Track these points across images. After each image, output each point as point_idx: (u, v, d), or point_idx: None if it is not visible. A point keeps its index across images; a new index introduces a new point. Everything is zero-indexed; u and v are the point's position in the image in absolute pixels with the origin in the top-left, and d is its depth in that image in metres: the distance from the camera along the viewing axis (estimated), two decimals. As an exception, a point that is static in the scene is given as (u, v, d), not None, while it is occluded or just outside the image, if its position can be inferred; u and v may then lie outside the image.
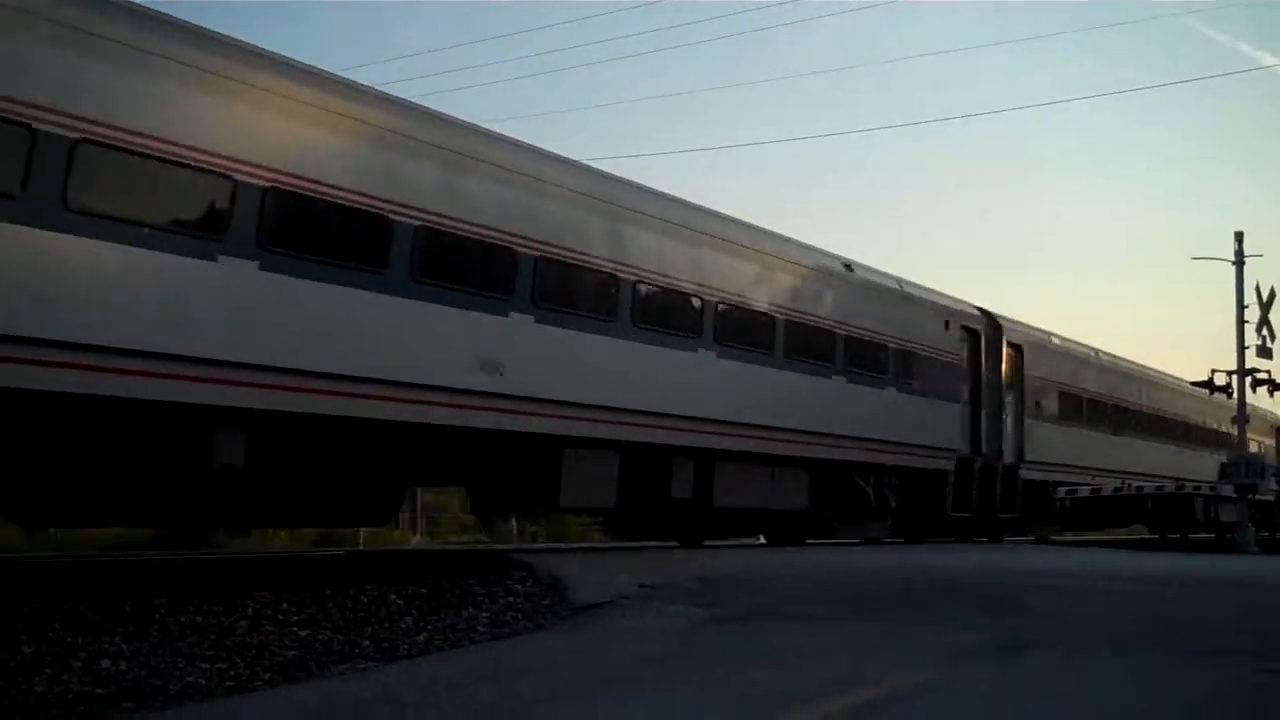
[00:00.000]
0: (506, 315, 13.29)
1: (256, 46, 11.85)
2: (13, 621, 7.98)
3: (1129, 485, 25.93)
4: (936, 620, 9.22)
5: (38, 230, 9.47)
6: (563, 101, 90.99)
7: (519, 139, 14.83)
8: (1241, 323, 29.79)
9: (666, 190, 16.67)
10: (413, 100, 13.71)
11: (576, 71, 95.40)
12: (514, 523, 41.20)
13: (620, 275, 14.92)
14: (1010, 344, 24.17)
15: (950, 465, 21.89)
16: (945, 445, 21.79)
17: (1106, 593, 11.46)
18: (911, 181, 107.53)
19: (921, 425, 21.00)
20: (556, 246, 13.97)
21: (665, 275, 15.70)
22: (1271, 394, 31.17)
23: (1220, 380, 30.98)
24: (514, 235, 13.41)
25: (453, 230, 12.74)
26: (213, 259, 10.60)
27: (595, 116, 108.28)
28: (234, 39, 11.59)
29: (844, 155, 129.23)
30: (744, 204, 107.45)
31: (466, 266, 13.03)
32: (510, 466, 13.91)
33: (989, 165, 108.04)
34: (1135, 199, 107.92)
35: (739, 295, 16.97)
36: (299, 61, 12.24)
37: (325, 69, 12.57)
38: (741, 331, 16.95)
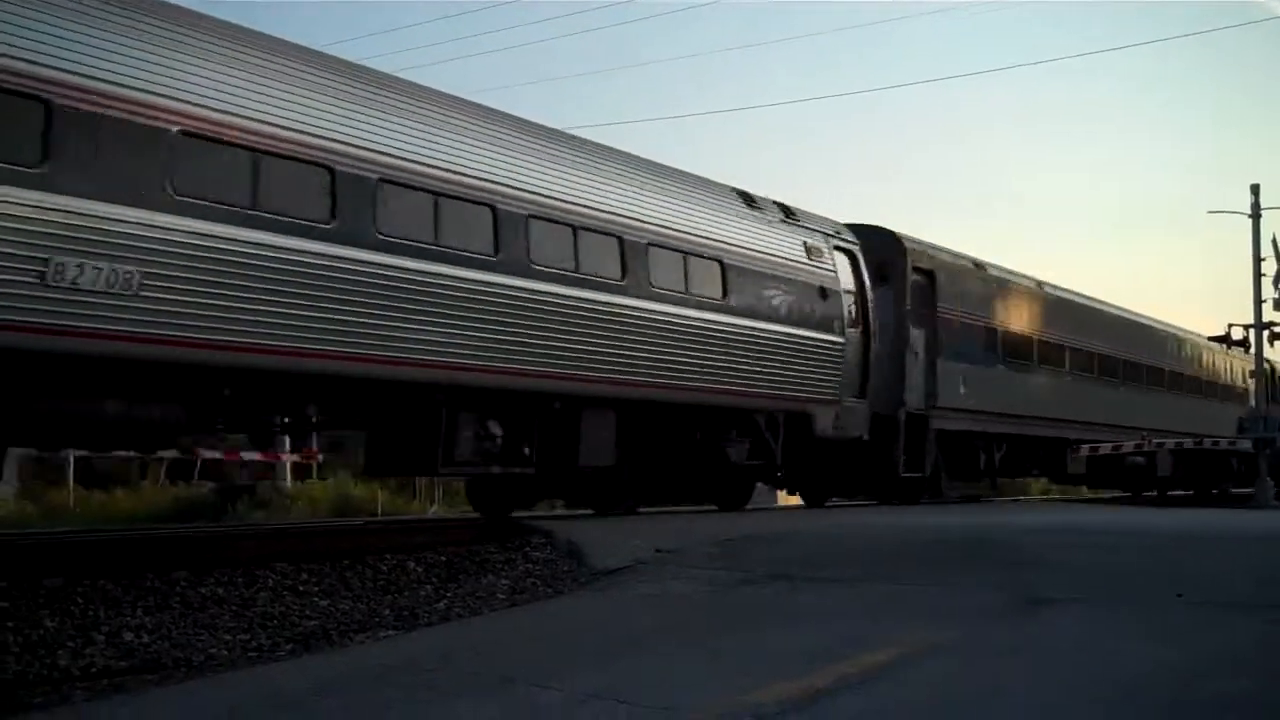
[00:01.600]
0: None
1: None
2: (36, 596, 8.03)
3: None
4: (957, 579, 9.21)
5: None
6: (557, 69, 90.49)
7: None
8: (1258, 276, 29.69)
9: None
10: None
11: (571, 39, 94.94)
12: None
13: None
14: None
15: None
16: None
17: (1126, 548, 11.43)
18: (915, 142, 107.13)
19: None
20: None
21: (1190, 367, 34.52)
22: (1289, 347, 31.13)
23: (1237, 334, 30.91)
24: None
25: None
26: None
27: (583, 84, 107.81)
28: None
29: (845, 116, 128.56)
30: (746, 168, 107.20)
31: None
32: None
33: (995, 124, 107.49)
34: (1148, 155, 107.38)
35: (1200, 373, 35.09)
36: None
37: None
38: (1191, 388, 34.29)
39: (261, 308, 10.36)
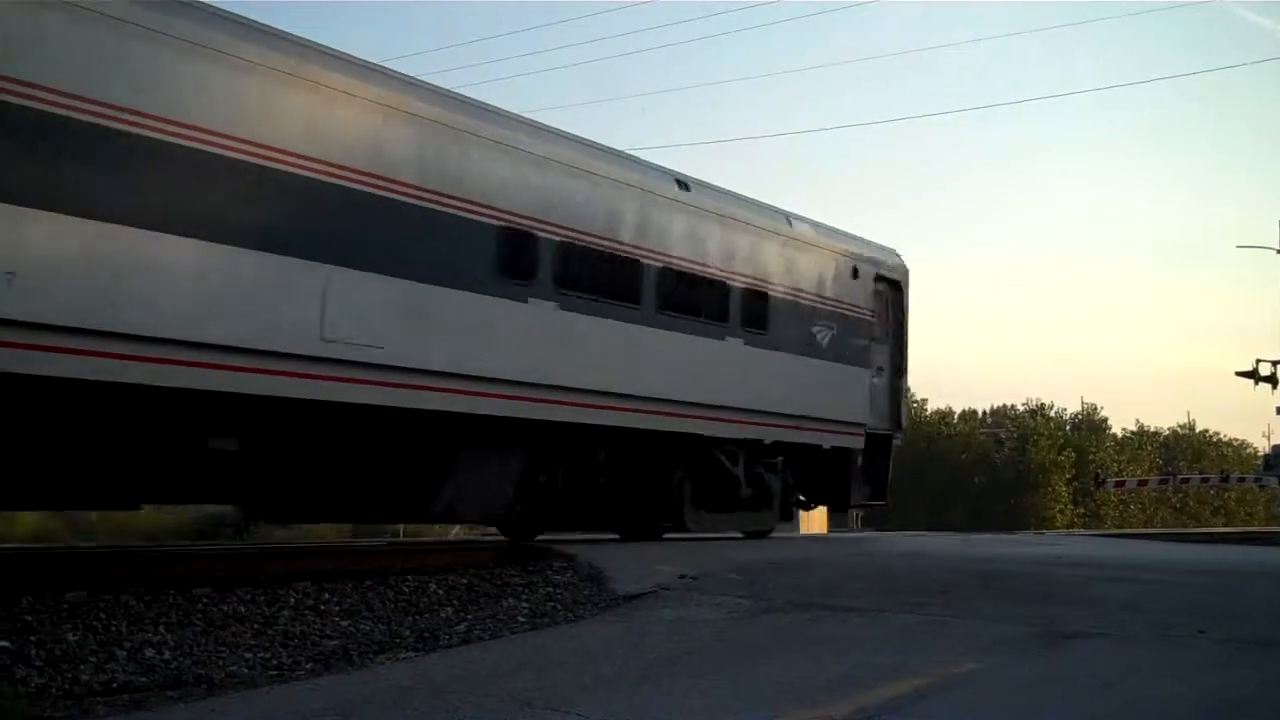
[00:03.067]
0: None
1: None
2: (59, 611, 8.07)
3: None
4: (977, 609, 9.16)
5: None
6: (584, 93, 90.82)
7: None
8: (1288, 311, 29.49)
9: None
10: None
11: (598, 64, 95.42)
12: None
13: None
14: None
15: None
16: None
17: (1145, 583, 11.35)
18: (946, 170, 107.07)
19: None
20: None
21: None
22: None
23: (1265, 370, 30.73)
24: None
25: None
26: None
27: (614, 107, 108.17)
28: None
29: (887, 143, 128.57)
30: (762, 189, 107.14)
31: None
32: None
33: (1033, 154, 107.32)
34: (1178, 188, 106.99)
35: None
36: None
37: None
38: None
39: None
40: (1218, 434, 70.29)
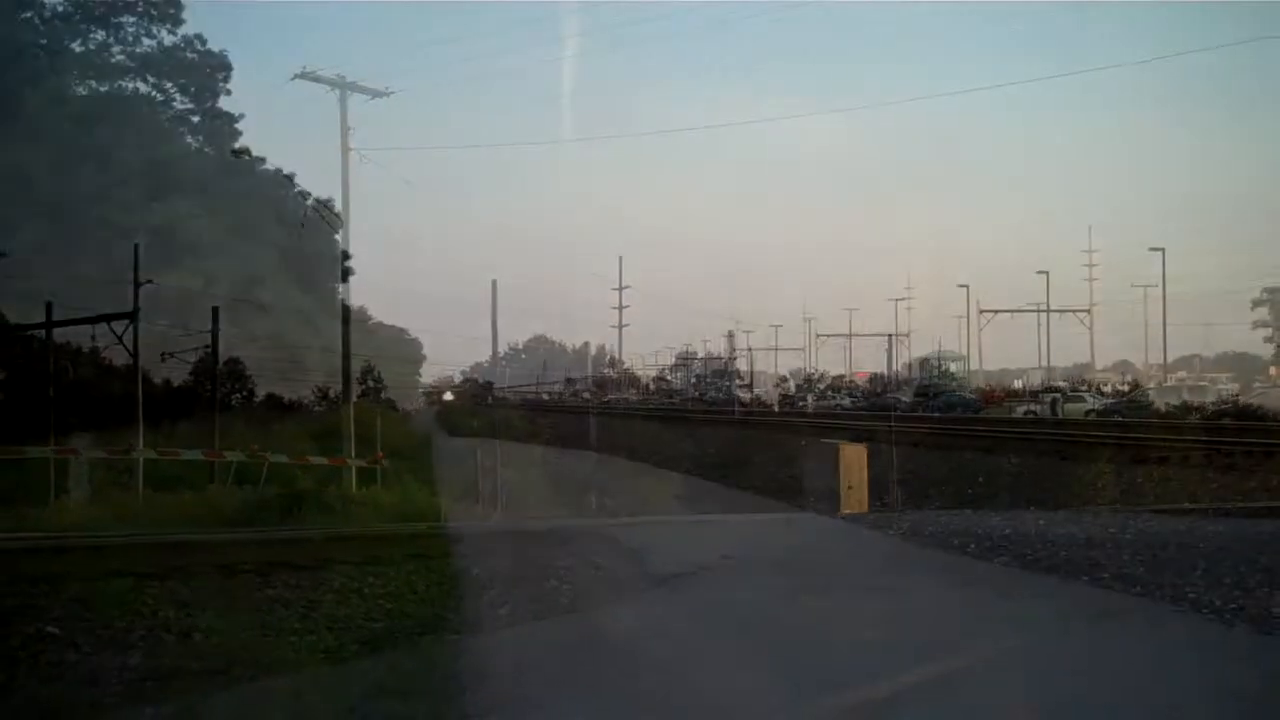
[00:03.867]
0: None
1: None
2: (108, 597, 8.17)
3: None
4: (1019, 590, 9.11)
5: None
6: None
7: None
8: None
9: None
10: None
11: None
12: (593, 497, 41.48)
13: None
14: None
15: None
16: None
17: (1186, 559, 11.24)
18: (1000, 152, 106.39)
19: None
20: None
21: None
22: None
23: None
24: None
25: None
26: None
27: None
28: None
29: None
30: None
31: None
32: None
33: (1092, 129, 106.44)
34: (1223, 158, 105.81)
35: None
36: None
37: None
38: None
39: None
40: (1260, 407, 69.59)
